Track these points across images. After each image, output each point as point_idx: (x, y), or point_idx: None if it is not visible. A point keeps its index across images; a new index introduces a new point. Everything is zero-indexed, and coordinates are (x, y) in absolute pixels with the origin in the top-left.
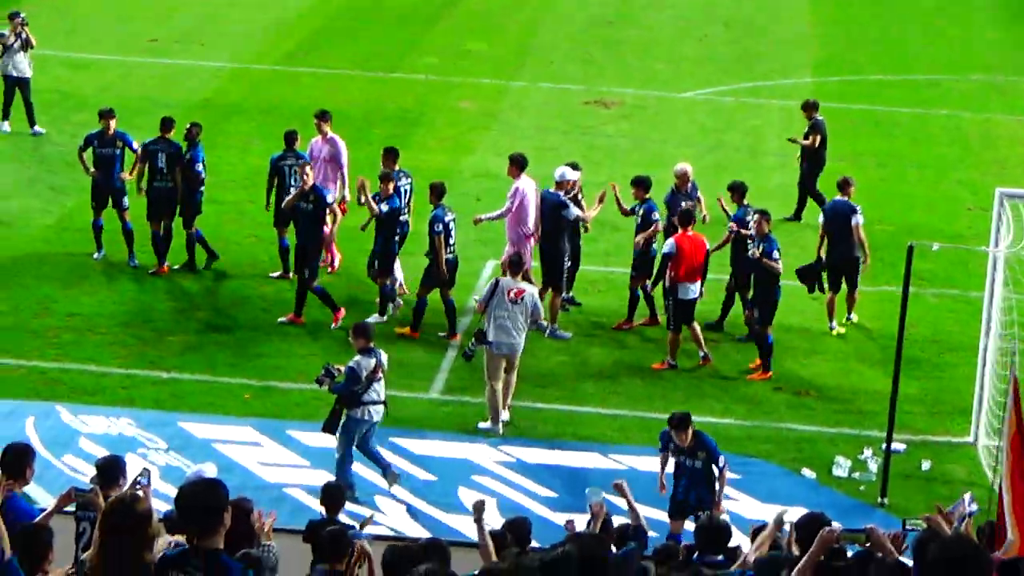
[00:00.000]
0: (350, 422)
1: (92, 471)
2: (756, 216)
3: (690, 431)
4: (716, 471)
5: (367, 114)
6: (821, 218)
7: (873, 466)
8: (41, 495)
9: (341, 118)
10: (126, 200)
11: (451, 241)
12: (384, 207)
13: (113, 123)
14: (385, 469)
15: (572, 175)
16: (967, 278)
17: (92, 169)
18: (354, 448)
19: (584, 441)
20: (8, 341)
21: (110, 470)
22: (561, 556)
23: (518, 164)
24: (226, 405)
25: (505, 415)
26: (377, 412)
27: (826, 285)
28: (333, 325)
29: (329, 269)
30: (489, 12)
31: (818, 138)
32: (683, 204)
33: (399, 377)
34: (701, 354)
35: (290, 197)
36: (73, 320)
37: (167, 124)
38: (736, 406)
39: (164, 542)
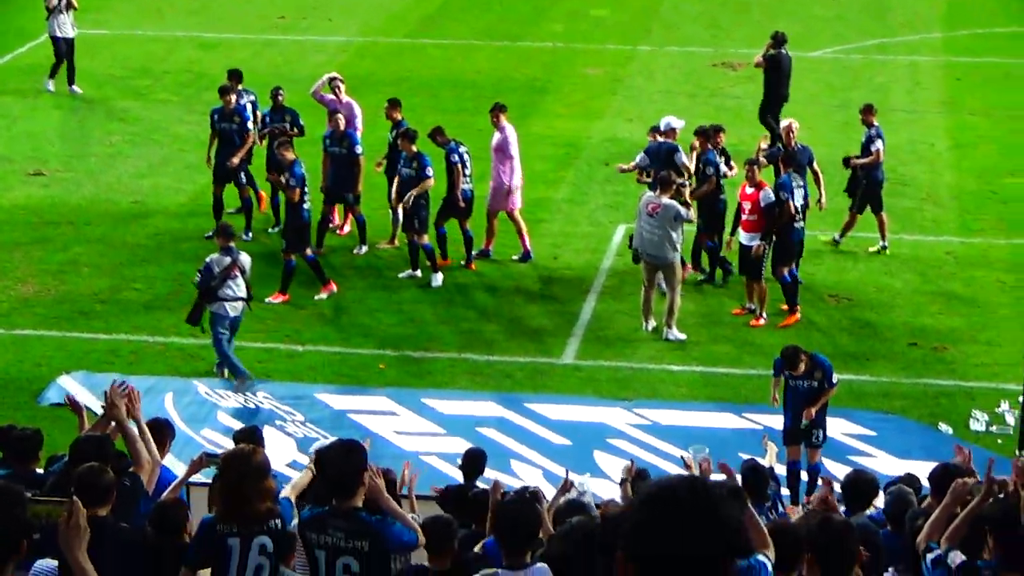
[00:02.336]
0: (214, 317)
1: (230, 444)
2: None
3: (803, 362)
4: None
5: (495, 83)
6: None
7: (1011, 419)
8: (181, 469)
9: (470, 88)
10: (242, 176)
11: (467, 173)
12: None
13: (233, 98)
14: (238, 375)
15: (677, 123)
16: None
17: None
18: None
19: (718, 402)
20: (146, 318)
21: (247, 440)
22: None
23: (504, 109)
24: (361, 375)
25: (673, 333)
26: (234, 308)
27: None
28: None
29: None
30: None
31: (764, 62)
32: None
33: (533, 343)
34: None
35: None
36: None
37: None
38: (871, 362)
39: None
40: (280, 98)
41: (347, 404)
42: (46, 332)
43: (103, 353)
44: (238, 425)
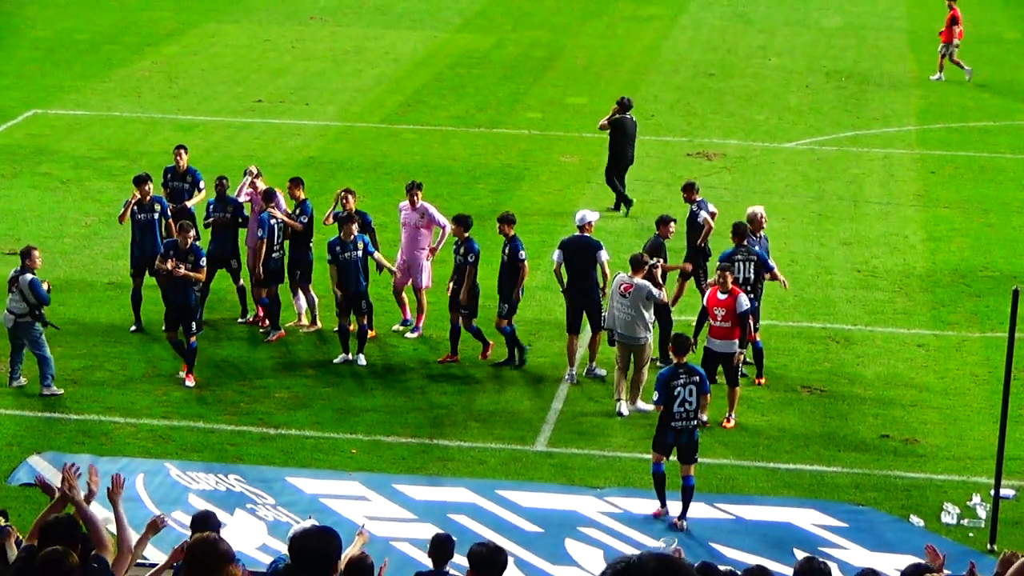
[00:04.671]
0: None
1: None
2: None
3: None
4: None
5: (471, 169)
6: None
7: (982, 512)
8: (151, 552)
9: (445, 173)
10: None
11: (275, 242)
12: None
13: (150, 187)
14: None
15: (592, 216)
16: None
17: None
18: None
19: None
20: (119, 399)
21: (203, 525)
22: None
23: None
24: (333, 460)
25: (638, 406)
26: (6, 318)
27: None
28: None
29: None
30: (591, 66)
31: (608, 125)
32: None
33: (506, 429)
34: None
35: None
36: (181, 377)
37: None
38: (843, 454)
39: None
40: (224, 188)
41: (319, 488)
42: (17, 412)
43: (74, 433)
44: (210, 508)
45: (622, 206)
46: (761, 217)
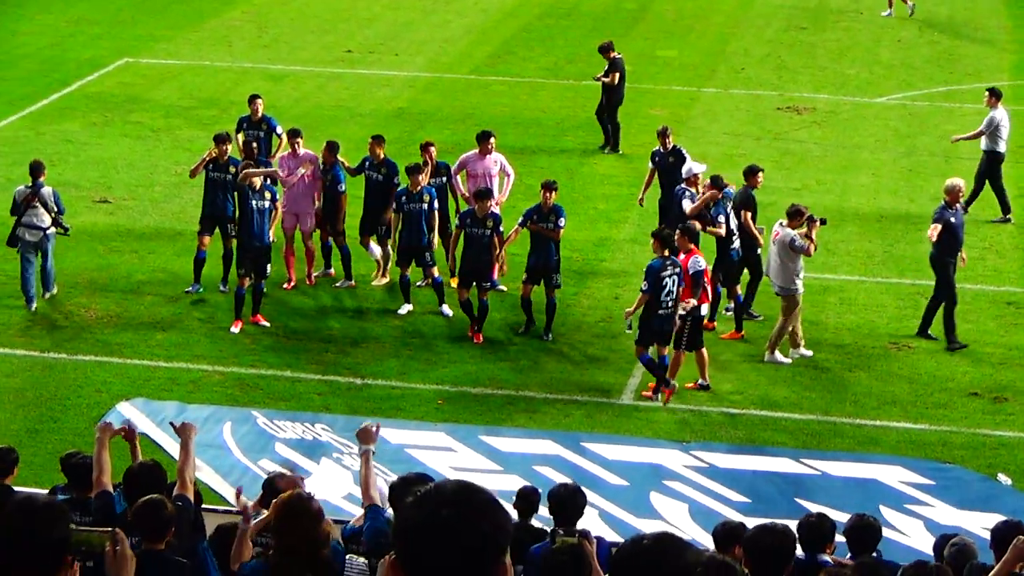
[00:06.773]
0: (20, 243)
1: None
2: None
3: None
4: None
5: (560, 121)
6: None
7: None
8: (229, 493)
9: (535, 125)
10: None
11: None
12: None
13: (228, 148)
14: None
15: (698, 168)
16: None
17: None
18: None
19: (776, 446)
20: (206, 347)
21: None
22: None
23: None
24: (419, 411)
25: (775, 356)
26: (33, 234)
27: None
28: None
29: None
30: (681, 19)
31: (616, 76)
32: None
33: (592, 382)
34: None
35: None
36: (270, 327)
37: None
38: (930, 411)
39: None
40: (254, 150)
41: (405, 439)
42: (107, 359)
43: (163, 381)
44: (296, 456)
45: (608, 146)
46: (958, 189)
